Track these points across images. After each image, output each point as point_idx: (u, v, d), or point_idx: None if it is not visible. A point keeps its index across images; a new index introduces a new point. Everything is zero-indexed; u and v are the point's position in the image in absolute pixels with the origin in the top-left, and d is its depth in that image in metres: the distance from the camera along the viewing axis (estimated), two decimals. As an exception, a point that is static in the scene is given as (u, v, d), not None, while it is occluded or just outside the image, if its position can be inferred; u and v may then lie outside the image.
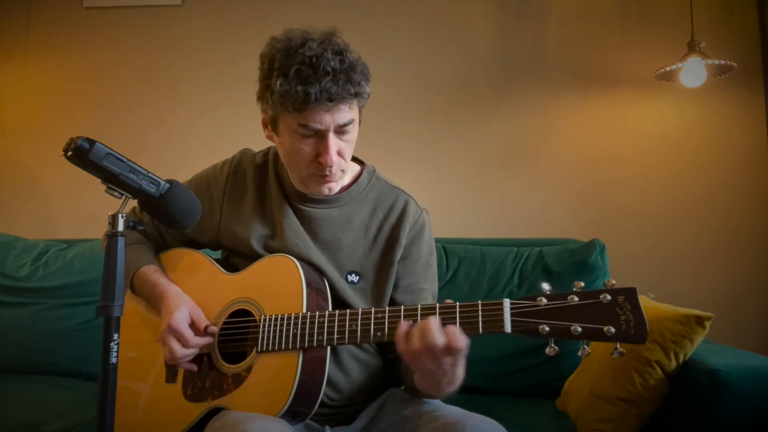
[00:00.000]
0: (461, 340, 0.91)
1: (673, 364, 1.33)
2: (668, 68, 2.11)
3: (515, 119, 2.42)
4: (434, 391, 1.04)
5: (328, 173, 1.12)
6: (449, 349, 0.91)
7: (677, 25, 2.30)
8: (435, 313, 0.99)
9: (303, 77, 1.02)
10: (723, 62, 2.04)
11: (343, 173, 1.17)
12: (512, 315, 0.93)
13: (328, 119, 1.06)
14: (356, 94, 1.07)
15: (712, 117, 2.32)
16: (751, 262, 2.27)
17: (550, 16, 2.44)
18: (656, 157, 2.34)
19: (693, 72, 2.10)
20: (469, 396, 1.70)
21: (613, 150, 2.36)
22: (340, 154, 1.12)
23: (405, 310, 1.01)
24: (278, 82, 1.04)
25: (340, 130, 1.09)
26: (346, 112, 1.08)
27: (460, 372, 0.99)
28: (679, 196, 2.32)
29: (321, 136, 1.09)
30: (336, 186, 1.17)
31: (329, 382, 1.12)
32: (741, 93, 2.30)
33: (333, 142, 1.09)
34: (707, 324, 1.32)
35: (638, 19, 2.39)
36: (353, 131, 1.13)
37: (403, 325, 0.96)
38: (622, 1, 2.41)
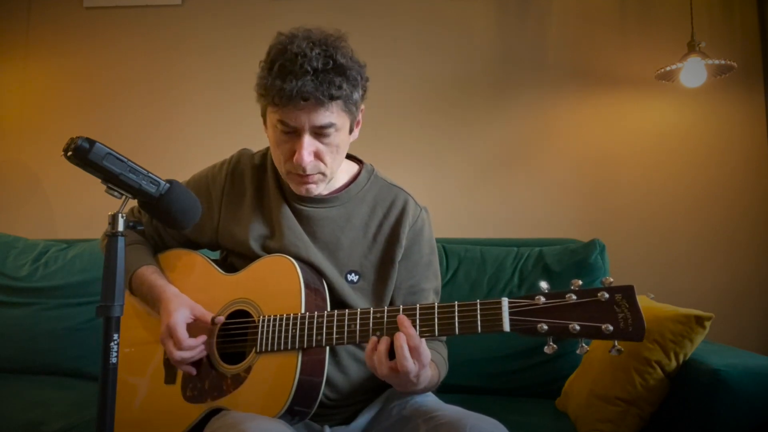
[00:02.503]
0: (406, 365, 0.95)
1: (673, 364, 1.33)
2: (668, 68, 2.11)
3: (515, 119, 2.42)
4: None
5: (302, 173, 1.11)
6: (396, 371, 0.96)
7: (677, 25, 2.30)
8: (434, 313, 0.99)
9: (283, 73, 1.03)
10: (723, 62, 2.04)
11: (324, 176, 1.15)
12: (510, 314, 0.93)
13: (303, 118, 1.05)
14: (333, 97, 1.05)
15: (712, 117, 2.32)
16: (751, 262, 2.27)
17: (550, 16, 2.44)
18: (656, 157, 2.34)
19: (693, 72, 2.10)
20: (469, 396, 1.70)
21: (613, 150, 2.36)
22: (318, 156, 1.10)
23: (404, 310, 1.01)
24: (262, 75, 1.06)
25: (319, 132, 1.08)
26: (323, 114, 1.06)
27: (423, 382, 1.02)
28: (679, 196, 2.32)
29: (298, 134, 1.08)
30: (315, 188, 1.15)
31: (328, 382, 1.12)
32: (741, 93, 2.30)
33: (308, 142, 1.08)
34: (707, 324, 1.32)
35: (638, 19, 2.39)
36: (335, 135, 1.10)
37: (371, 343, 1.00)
38: (622, 1, 2.41)
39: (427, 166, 2.44)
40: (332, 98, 1.05)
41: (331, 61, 1.04)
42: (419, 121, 2.46)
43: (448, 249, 1.98)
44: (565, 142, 2.39)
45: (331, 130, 1.09)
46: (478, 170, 2.42)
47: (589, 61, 2.39)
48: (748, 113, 2.30)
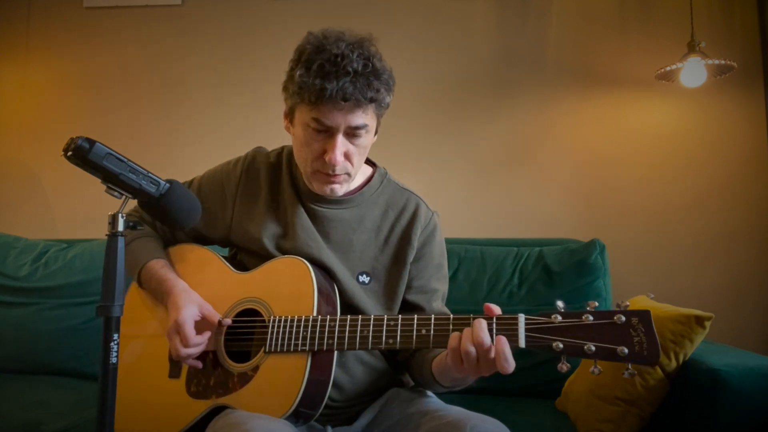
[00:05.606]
0: (510, 365, 0.92)
1: (673, 364, 1.33)
2: (668, 68, 2.11)
3: (515, 119, 2.42)
4: (453, 385, 1.09)
5: (331, 172, 1.12)
6: (497, 367, 0.93)
7: (677, 25, 2.30)
8: (449, 324, 1.00)
9: (323, 72, 1.03)
10: (723, 62, 2.04)
11: (349, 177, 1.16)
12: (527, 330, 0.94)
13: (339, 118, 1.07)
14: (372, 100, 1.07)
15: (712, 117, 2.32)
16: (751, 262, 2.27)
17: (550, 15, 2.44)
18: (656, 157, 2.34)
19: (693, 72, 2.10)
20: (470, 396, 1.70)
21: (613, 150, 2.36)
22: (347, 157, 1.12)
23: (418, 320, 1.02)
24: (298, 73, 1.06)
25: (351, 133, 1.10)
26: (360, 116, 1.08)
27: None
28: (680, 196, 2.32)
29: (331, 134, 1.09)
30: (339, 189, 1.17)
31: (334, 385, 1.12)
32: (741, 93, 2.30)
33: (341, 142, 1.09)
34: (707, 324, 1.32)
35: (638, 19, 2.39)
36: (365, 137, 1.12)
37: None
38: (622, 1, 2.41)
39: (426, 165, 2.44)
40: (371, 101, 1.07)
41: (370, 65, 1.06)
42: (419, 120, 2.46)
43: (448, 249, 1.97)
44: (564, 141, 2.38)
45: (362, 132, 1.11)
46: (478, 170, 2.42)
47: (589, 61, 2.39)
48: (748, 113, 2.30)
